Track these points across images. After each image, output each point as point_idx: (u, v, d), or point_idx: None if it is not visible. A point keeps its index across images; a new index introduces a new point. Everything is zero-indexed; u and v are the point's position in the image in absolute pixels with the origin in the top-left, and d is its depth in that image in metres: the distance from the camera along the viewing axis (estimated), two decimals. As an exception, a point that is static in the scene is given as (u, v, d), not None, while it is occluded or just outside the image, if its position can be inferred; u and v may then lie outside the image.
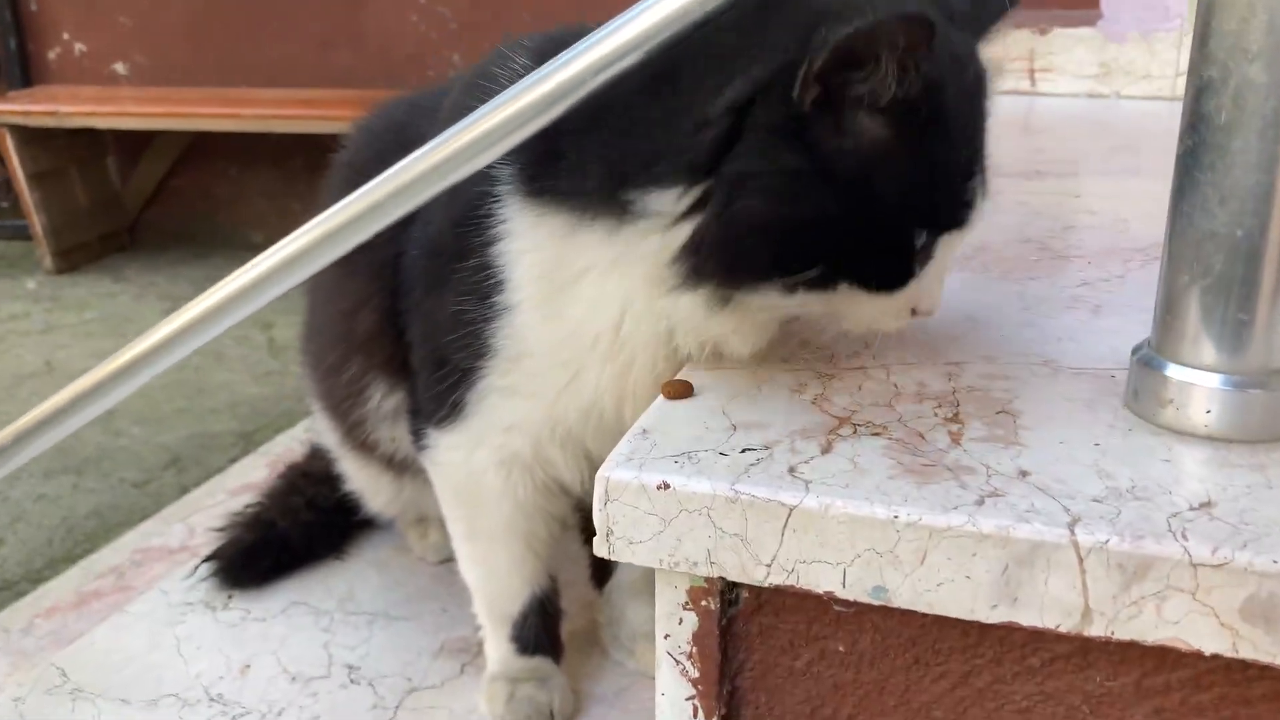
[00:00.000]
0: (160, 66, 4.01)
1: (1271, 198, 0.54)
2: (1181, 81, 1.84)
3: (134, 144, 4.01)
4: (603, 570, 1.00)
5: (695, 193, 0.63)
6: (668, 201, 0.64)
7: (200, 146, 4.03)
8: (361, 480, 1.07)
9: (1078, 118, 1.78)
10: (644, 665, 0.95)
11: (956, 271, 0.89)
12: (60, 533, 2.20)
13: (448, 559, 1.13)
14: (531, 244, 0.72)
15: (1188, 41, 1.75)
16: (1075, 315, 0.77)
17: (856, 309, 0.66)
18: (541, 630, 0.91)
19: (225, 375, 2.66)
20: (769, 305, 0.65)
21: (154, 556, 1.36)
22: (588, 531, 0.98)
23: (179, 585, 1.11)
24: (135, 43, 4.04)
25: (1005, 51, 1.96)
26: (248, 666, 0.97)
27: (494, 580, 0.90)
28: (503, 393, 0.78)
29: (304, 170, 3.87)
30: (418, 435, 0.86)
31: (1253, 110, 0.53)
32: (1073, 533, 0.49)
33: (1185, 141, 0.57)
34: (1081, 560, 0.49)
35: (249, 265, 0.72)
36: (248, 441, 2.32)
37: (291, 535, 1.15)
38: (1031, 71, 1.98)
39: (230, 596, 1.08)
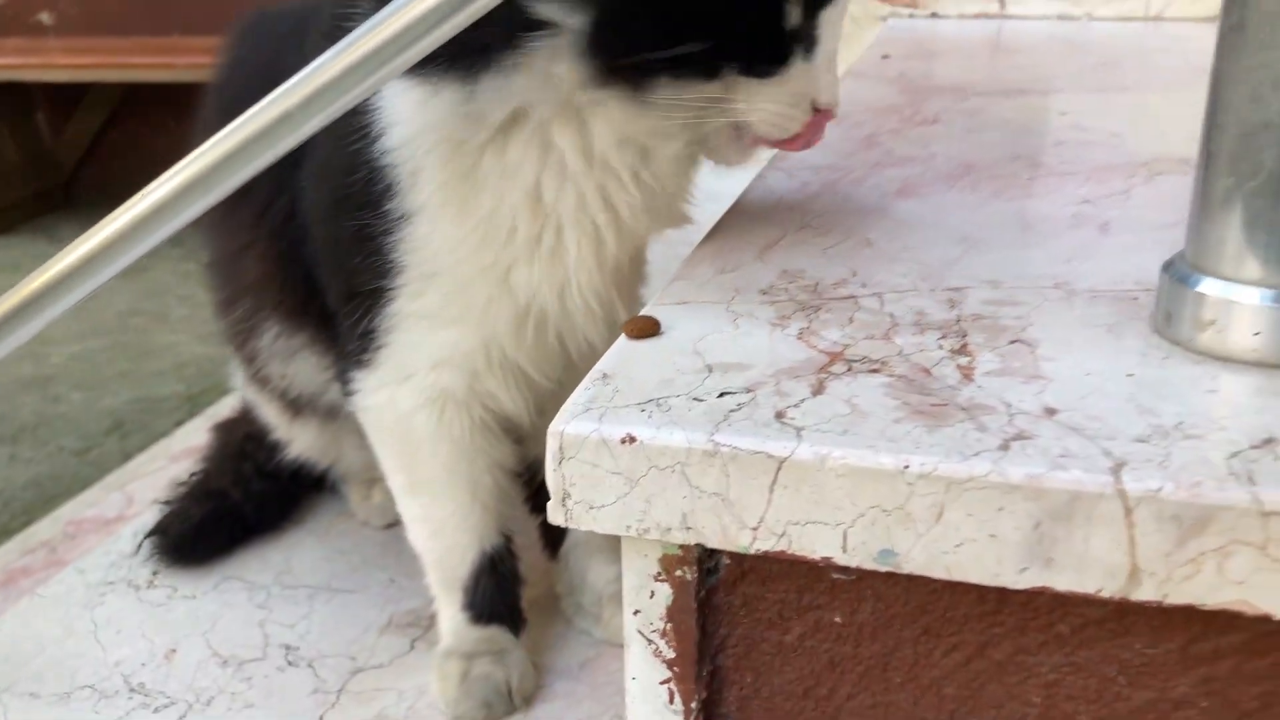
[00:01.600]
0: (88, 15, 3.82)
1: (1334, 79, 0.46)
2: (1155, 1, 1.77)
3: (64, 97, 3.84)
4: (554, 532, 0.91)
5: None
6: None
7: (135, 98, 3.87)
8: (272, 421, 0.99)
9: (1051, 38, 1.70)
10: (611, 633, 0.87)
11: (945, 191, 0.80)
12: (-5, 505, 2.09)
13: (394, 523, 1.04)
14: (422, 124, 0.66)
15: (1163, -43, 1.66)
16: (1082, 233, 0.69)
17: (753, 103, 0.64)
18: (496, 595, 0.82)
19: (169, 336, 2.55)
20: (671, 100, 0.62)
21: (88, 528, 1.27)
22: (532, 492, 0.90)
23: (98, 562, 1.02)
24: (62, -9, 3.84)
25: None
26: (174, 651, 0.88)
27: (439, 538, 0.82)
28: (419, 319, 0.71)
29: (244, 120, 3.73)
30: (344, 381, 0.78)
31: (1316, -27, 0.45)
32: (1118, 480, 0.41)
33: (1230, 16, 0.48)
34: (1129, 513, 0.41)
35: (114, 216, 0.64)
36: (194, 404, 2.22)
37: (245, 506, 1.05)
38: (1000, -7, 1.90)
39: (155, 573, 0.99)
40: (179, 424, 1.95)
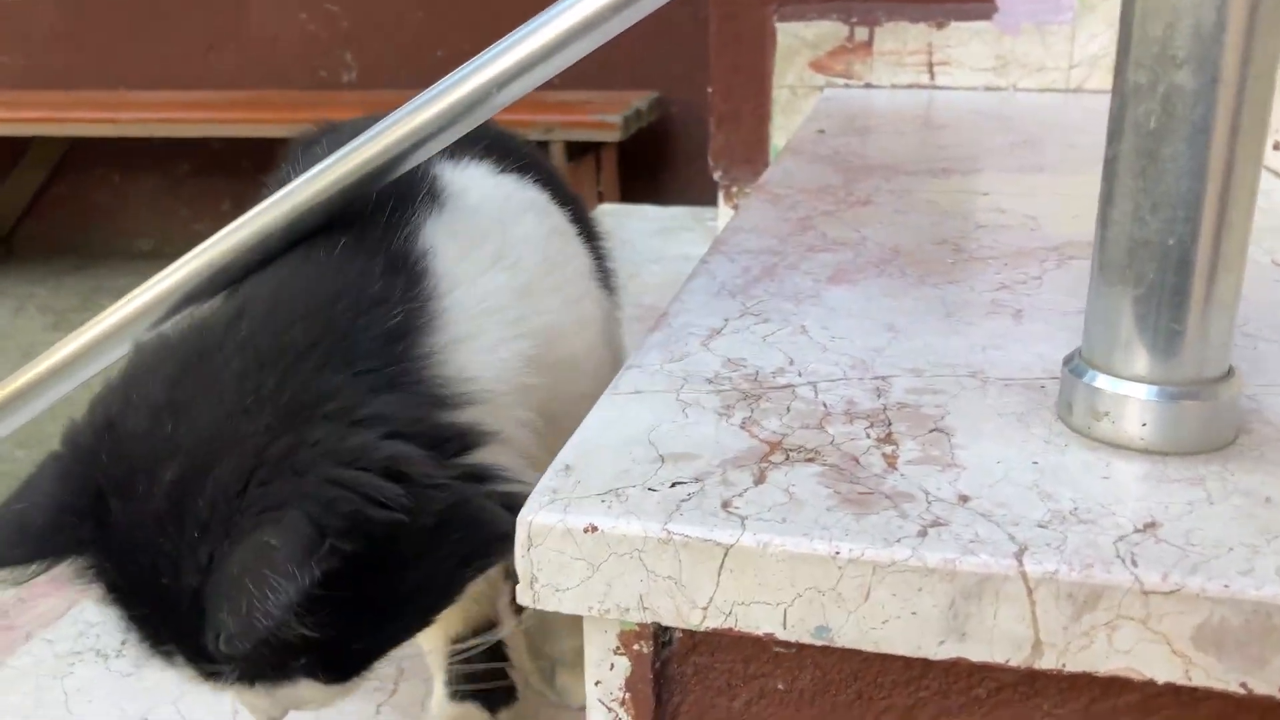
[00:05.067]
0: (33, 69, 3.83)
1: (1202, 204, 0.53)
2: (1075, 73, 1.88)
3: (7, 151, 3.83)
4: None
5: None
6: None
7: (79, 152, 3.88)
8: None
9: (977, 111, 1.80)
10: (562, 696, 0.92)
11: (875, 277, 0.87)
12: (-62, 567, 2.06)
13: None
14: None
15: (1079, 33, 1.78)
16: (998, 321, 0.76)
17: None
18: (467, 676, 0.86)
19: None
20: None
21: (40, 592, 1.28)
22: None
23: (66, 632, 1.04)
24: (5, 43, 3.85)
25: (904, 46, 1.99)
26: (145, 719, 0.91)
27: None
28: None
29: (190, 176, 3.75)
30: None
31: (1182, 116, 0.52)
32: (1020, 563, 0.47)
33: (1113, 147, 0.55)
34: (1030, 592, 0.47)
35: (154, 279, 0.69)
36: (140, 461, 2.22)
37: None
38: (930, 65, 2.00)
39: (124, 642, 1.01)
40: (126, 482, 1.95)
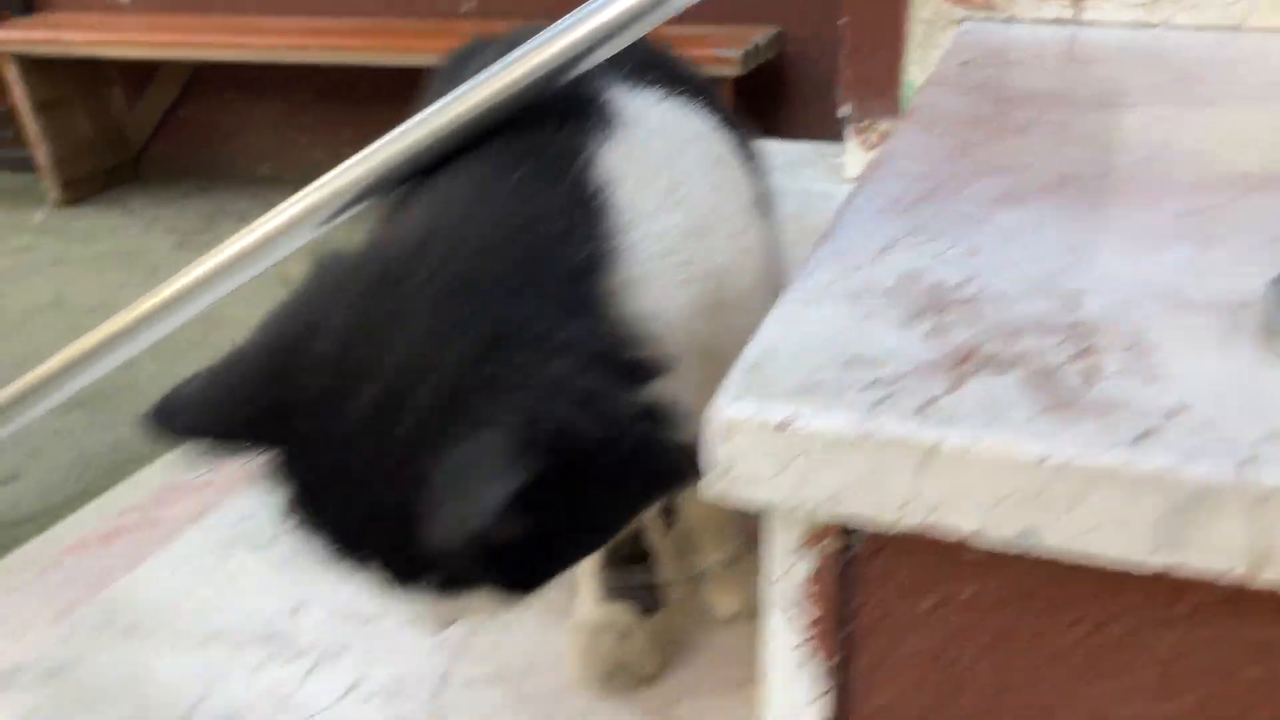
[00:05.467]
0: (163, -8, 3.90)
1: None
2: (1235, 10, 1.78)
3: (138, 74, 3.94)
4: (671, 510, 0.96)
5: None
6: None
7: (205, 77, 3.96)
8: None
9: (1127, 48, 1.72)
10: (709, 607, 0.93)
11: (1044, 201, 0.84)
12: (77, 469, 2.18)
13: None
14: None
15: (1243, -34, 1.66)
16: (1186, 246, 0.73)
17: None
18: (618, 579, 0.87)
19: (240, 309, 2.61)
20: None
21: (179, 495, 1.33)
22: None
23: (222, 520, 1.08)
24: (136, -32, 3.93)
25: (1048, -22, 1.91)
26: (300, 606, 0.94)
27: None
28: None
29: (312, 102, 3.80)
30: None
31: None
32: (1243, 475, 0.45)
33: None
34: (1255, 504, 0.45)
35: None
36: (261, 376, 2.29)
37: None
38: None
39: (275, 536, 1.05)
40: (249, 396, 2.02)
